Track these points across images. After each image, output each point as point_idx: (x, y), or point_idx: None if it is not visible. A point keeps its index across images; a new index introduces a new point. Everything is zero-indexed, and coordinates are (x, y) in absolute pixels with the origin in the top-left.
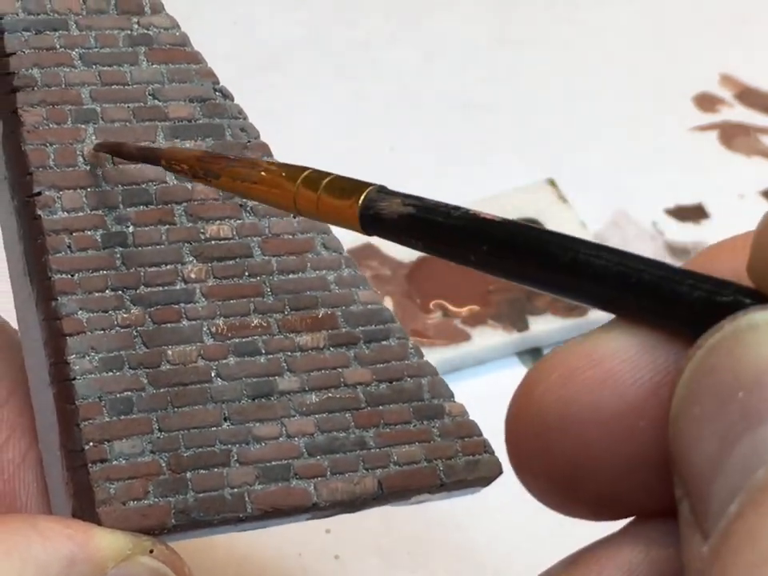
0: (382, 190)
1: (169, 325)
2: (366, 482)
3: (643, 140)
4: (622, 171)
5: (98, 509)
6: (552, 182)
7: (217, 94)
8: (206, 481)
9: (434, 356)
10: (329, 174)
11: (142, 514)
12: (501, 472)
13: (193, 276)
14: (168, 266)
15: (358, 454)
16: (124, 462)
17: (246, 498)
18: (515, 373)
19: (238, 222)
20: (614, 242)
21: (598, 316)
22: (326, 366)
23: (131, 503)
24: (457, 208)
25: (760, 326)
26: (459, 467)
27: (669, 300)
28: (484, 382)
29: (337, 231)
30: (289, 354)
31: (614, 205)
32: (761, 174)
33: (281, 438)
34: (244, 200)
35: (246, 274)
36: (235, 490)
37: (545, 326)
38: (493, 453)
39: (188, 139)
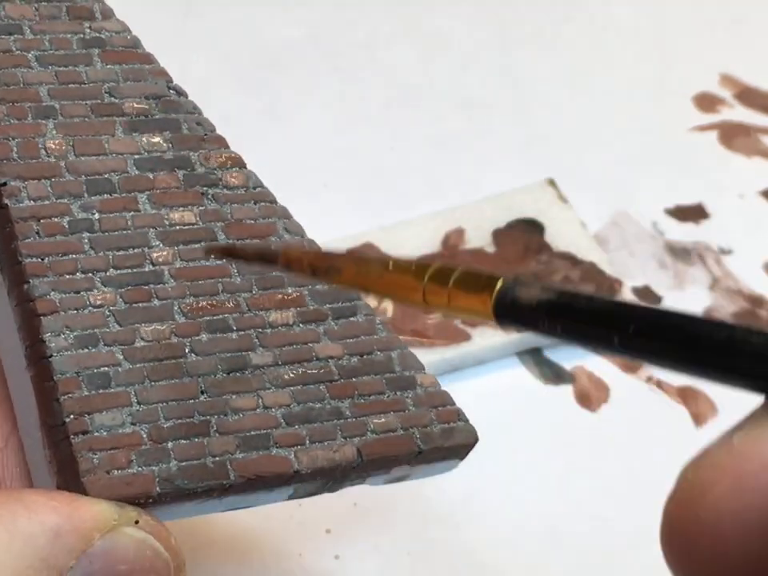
0: (517, 279)
1: (140, 304)
2: (345, 449)
3: (643, 140)
4: (622, 171)
5: (83, 478)
6: (552, 182)
7: (171, 91)
8: (188, 450)
9: (434, 356)
10: (456, 267)
11: (126, 483)
12: (476, 440)
13: (160, 259)
14: (135, 250)
15: (335, 423)
16: (105, 433)
17: (228, 466)
18: (515, 373)
19: (201, 208)
20: (614, 242)
21: None
22: (296, 341)
23: (115, 472)
24: (598, 296)
25: None
26: (435, 435)
27: None
28: (484, 381)
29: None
30: (260, 330)
31: (614, 205)
32: (761, 174)
33: (258, 410)
34: (205, 188)
35: (212, 256)
36: (217, 458)
37: None
38: (467, 421)
39: (146, 132)
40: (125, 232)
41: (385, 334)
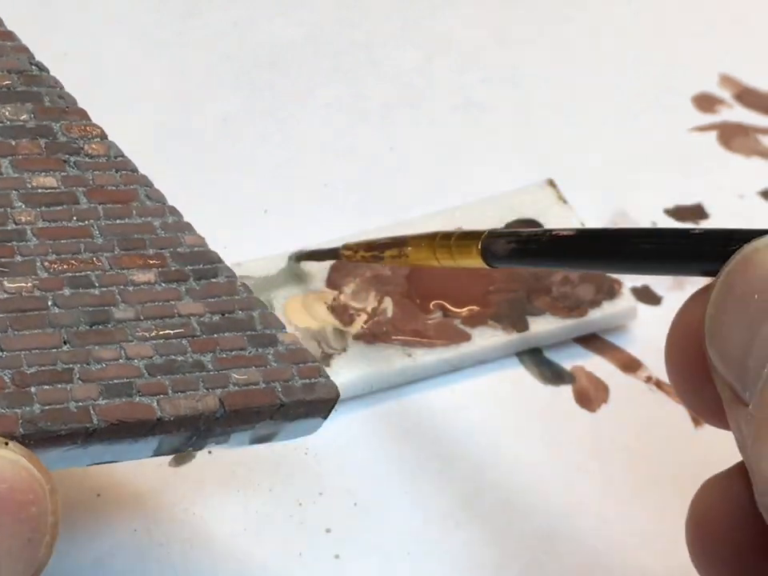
0: (491, 235)
1: (3, 260)
2: (208, 399)
3: (643, 140)
4: (621, 171)
5: None
6: (551, 183)
7: (33, 66)
8: (51, 395)
9: (434, 356)
10: (454, 232)
11: None
12: (338, 395)
13: (23, 219)
14: None
15: (198, 375)
16: None
17: (92, 411)
18: (515, 373)
19: (63, 174)
20: None
21: (597, 316)
22: (158, 298)
23: None
24: (544, 233)
25: (761, 248)
26: (297, 388)
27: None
28: (484, 381)
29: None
30: (122, 287)
31: (614, 205)
32: (760, 174)
33: (120, 360)
34: (67, 155)
35: (75, 218)
36: (80, 403)
37: (545, 327)
38: (328, 377)
39: (8, 103)
40: None
41: (246, 294)
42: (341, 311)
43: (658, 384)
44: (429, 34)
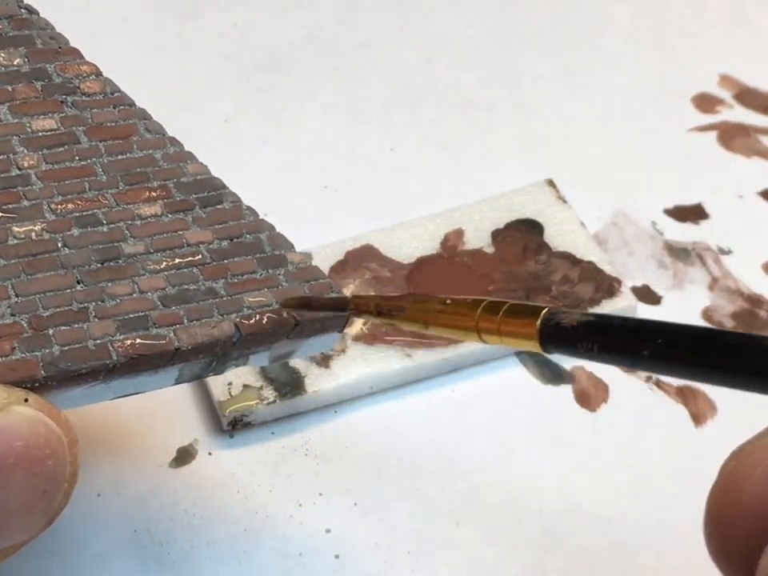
0: (558, 310)
1: (10, 206)
2: (224, 325)
3: (643, 140)
4: (621, 171)
5: None
6: (551, 183)
7: (22, 10)
8: (69, 335)
9: (434, 356)
10: (506, 301)
11: (11, 368)
12: (350, 309)
13: (26, 163)
14: (1, 156)
15: (211, 302)
16: None
17: (110, 347)
18: (515, 373)
19: (61, 115)
20: (614, 242)
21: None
22: (166, 230)
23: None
24: (627, 318)
25: None
26: None
27: None
28: (484, 381)
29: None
30: (129, 222)
31: (614, 205)
32: (760, 174)
33: (134, 294)
34: (64, 96)
35: (77, 158)
36: (98, 341)
37: None
38: (339, 292)
39: (1, 49)
40: None
41: (252, 218)
42: None
43: (658, 384)
44: (429, 34)
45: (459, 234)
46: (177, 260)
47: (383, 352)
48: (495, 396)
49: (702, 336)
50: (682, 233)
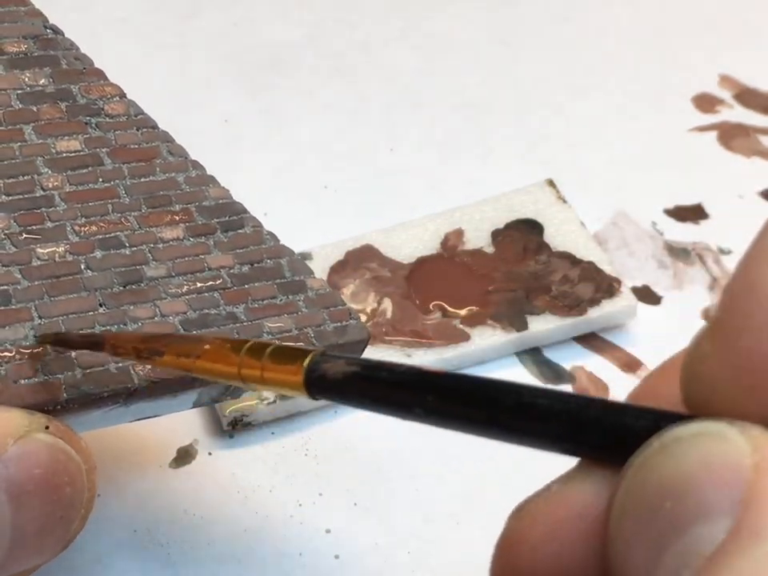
0: (325, 354)
1: (34, 227)
2: None
3: (643, 140)
4: (621, 171)
5: None
6: (551, 183)
7: (48, 30)
8: (91, 358)
9: (434, 356)
10: (271, 343)
11: (34, 391)
12: (369, 336)
13: (50, 185)
14: (25, 177)
15: (232, 327)
16: (10, 346)
17: (132, 371)
18: (514, 373)
19: (85, 136)
20: (614, 242)
21: (596, 314)
22: (188, 254)
23: (22, 381)
24: (400, 365)
25: (683, 439)
26: (329, 332)
27: (617, 434)
28: None
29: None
30: (152, 245)
31: (614, 205)
32: (760, 174)
33: (156, 318)
34: (88, 117)
35: (101, 179)
36: (120, 364)
37: (544, 326)
38: (358, 319)
39: (27, 69)
40: (13, 161)
41: (273, 243)
42: None
43: None
44: (429, 34)
45: (459, 234)
46: (198, 284)
47: (383, 352)
48: None
49: (475, 390)
50: (682, 233)
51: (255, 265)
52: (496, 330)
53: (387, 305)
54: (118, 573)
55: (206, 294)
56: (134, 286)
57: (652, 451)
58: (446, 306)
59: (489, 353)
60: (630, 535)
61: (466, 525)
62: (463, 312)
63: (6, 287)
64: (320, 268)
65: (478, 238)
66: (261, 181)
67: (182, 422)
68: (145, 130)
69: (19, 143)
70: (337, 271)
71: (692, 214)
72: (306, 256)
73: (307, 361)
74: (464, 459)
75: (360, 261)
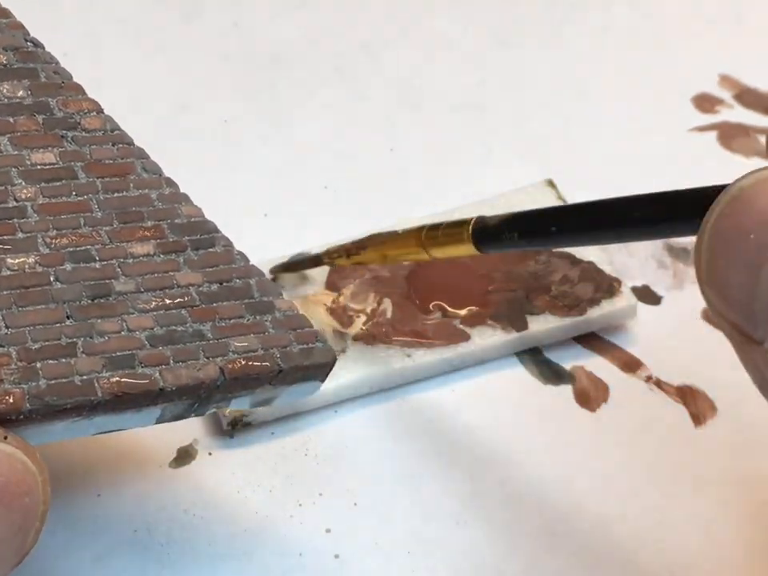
0: (481, 220)
1: (5, 237)
2: (209, 368)
3: (643, 140)
4: (621, 171)
5: None
6: (551, 183)
7: (28, 43)
8: (56, 369)
9: (434, 356)
10: (442, 223)
11: None
12: (335, 359)
13: (23, 196)
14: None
15: (198, 344)
16: None
17: (96, 384)
18: (515, 373)
19: (61, 149)
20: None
21: (596, 314)
22: (158, 270)
23: None
24: (540, 209)
25: (746, 187)
26: (295, 354)
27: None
28: (484, 381)
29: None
30: (122, 260)
31: None
32: None
33: (123, 332)
34: (64, 131)
35: (74, 193)
36: (84, 376)
37: (544, 326)
38: (325, 342)
39: (5, 80)
40: None
41: (243, 263)
42: (340, 313)
43: (658, 384)
44: (429, 34)
45: None
46: (166, 300)
47: (383, 352)
48: (495, 396)
49: (597, 207)
50: None
51: (224, 284)
52: (496, 330)
53: (387, 305)
54: (118, 573)
55: (174, 311)
56: (102, 300)
57: (731, 196)
58: (446, 306)
59: (489, 353)
60: (725, 268)
61: (466, 525)
62: (463, 312)
63: None
64: (320, 268)
65: None
66: (261, 181)
67: (182, 422)
68: (120, 145)
69: None
70: (337, 271)
71: None
72: (305, 256)
73: (472, 223)
74: (464, 459)
75: None
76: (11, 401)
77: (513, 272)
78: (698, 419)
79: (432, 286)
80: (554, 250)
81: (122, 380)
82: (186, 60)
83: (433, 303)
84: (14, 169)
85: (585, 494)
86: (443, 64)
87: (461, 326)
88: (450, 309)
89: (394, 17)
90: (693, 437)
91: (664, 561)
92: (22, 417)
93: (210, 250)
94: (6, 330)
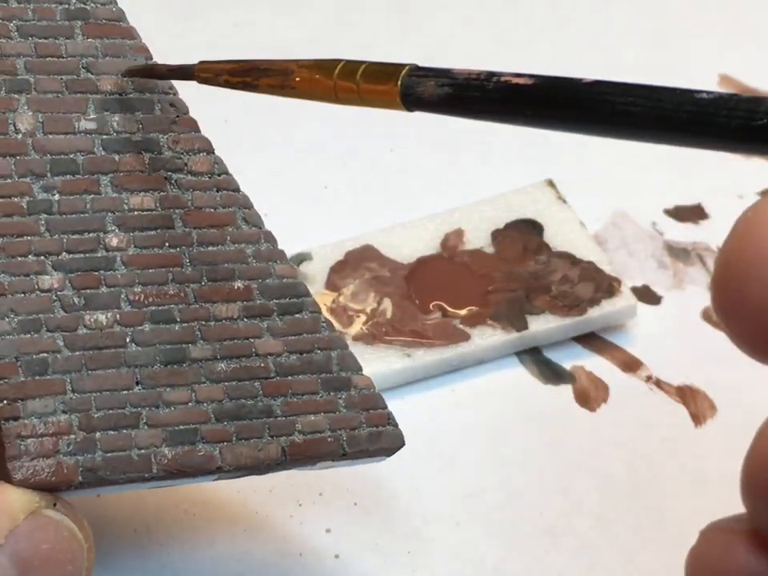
0: (414, 72)
1: (88, 291)
2: (270, 448)
3: None
4: (621, 171)
5: (9, 464)
6: (551, 183)
7: None
8: (115, 441)
9: (434, 356)
10: (362, 62)
11: (50, 470)
12: (403, 444)
13: (114, 244)
14: (91, 234)
15: (265, 421)
16: (36, 420)
17: (153, 459)
18: (514, 373)
19: (162, 193)
20: (613, 242)
21: (596, 314)
22: (238, 335)
23: (41, 460)
24: (489, 77)
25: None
26: (362, 438)
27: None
28: (483, 381)
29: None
30: (203, 323)
31: (614, 205)
32: (760, 174)
33: (190, 404)
34: (169, 173)
35: (167, 244)
36: (142, 450)
37: (544, 326)
38: (396, 425)
39: (118, 112)
40: (82, 215)
41: (327, 333)
42: (340, 313)
43: (658, 383)
44: (429, 34)
45: (459, 233)
46: (241, 371)
47: (383, 352)
48: (495, 396)
49: (566, 99)
50: (681, 233)
51: (304, 355)
52: (496, 329)
53: (387, 305)
54: (118, 573)
55: (247, 383)
56: (175, 366)
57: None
58: (446, 306)
59: (489, 353)
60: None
61: (465, 525)
62: (463, 312)
63: (46, 355)
64: (320, 268)
65: (477, 238)
66: (261, 181)
67: None
68: (225, 192)
69: (92, 195)
70: (337, 271)
71: (692, 214)
72: (306, 256)
73: (399, 82)
74: (464, 459)
75: (360, 261)
76: (65, 472)
77: (513, 272)
78: (697, 419)
79: (432, 286)
80: (553, 251)
81: (179, 458)
82: (186, 60)
83: (433, 303)
84: (110, 214)
85: (585, 493)
86: (443, 64)
87: (461, 325)
88: (449, 309)
89: (394, 17)
90: (693, 437)
91: (664, 560)
92: (72, 488)
93: (297, 315)
94: (72, 395)
